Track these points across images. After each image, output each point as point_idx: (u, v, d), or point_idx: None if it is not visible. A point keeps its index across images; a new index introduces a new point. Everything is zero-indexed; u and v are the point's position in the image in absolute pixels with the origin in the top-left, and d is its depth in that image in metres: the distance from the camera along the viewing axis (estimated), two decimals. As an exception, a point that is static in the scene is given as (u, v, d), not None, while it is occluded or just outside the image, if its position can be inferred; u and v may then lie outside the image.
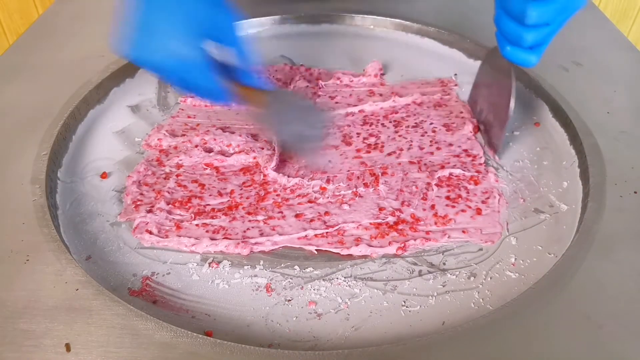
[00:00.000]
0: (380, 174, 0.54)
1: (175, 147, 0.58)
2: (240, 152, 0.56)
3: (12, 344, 0.38)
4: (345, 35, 0.77)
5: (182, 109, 0.63)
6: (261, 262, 0.46)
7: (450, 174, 0.54)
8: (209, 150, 0.57)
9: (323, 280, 0.45)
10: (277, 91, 0.58)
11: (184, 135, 0.59)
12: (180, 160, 0.56)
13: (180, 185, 0.53)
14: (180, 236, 0.48)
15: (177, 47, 0.44)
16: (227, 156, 0.56)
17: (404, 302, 0.43)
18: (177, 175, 0.54)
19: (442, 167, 0.55)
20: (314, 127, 0.55)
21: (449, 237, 0.49)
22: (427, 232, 0.49)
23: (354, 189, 0.53)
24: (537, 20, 0.45)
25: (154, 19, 0.44)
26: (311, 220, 0.50)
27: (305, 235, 0.49)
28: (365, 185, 0.53)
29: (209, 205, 0.51)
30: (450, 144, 0.58)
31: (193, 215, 0.50)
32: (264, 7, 0.78)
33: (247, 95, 0.51)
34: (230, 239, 0.48)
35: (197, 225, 0.49)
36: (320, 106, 0.62)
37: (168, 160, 0.56)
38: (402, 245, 0.48)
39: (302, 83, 0.66)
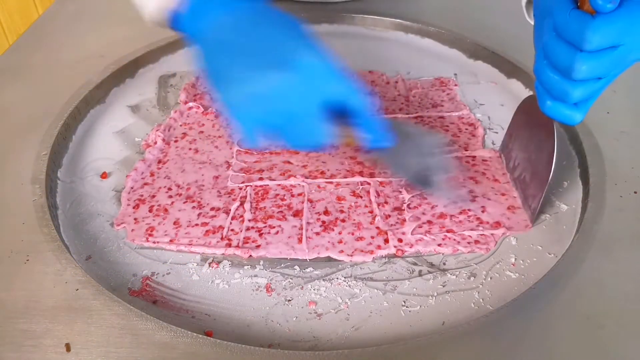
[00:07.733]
0: (379, 173, 0.54)
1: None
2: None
3: (12, 344, 0.38)
4: (346, 35, 0.77)
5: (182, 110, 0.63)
6: (261, 262, 0.46)
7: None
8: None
9: (323, 280, 0.45)
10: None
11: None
12: (180, 160, 0.56)
13: (180, 185, 0.53)
14: (180, 236, 0.48)
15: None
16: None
17: (404, 302, 0.43)
18: (177, 175, 0.54)
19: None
20: (432, 155, 0.50)
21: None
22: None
23: (353, 189, 0.53)
24: (588, 75, 0.37)
25: None
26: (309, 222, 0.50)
27: (305, 235, 0.49)
28: (364, 185, 0.53)
29: (209, 204, 0.51)
30: (451, 144, 0.58)
31: (193, 215, 0.50)
32: (263, 7, 0.78)
33: (347, 139, 0.46)
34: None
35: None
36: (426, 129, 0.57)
37: (168, 160, 0.56)
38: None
39: None
